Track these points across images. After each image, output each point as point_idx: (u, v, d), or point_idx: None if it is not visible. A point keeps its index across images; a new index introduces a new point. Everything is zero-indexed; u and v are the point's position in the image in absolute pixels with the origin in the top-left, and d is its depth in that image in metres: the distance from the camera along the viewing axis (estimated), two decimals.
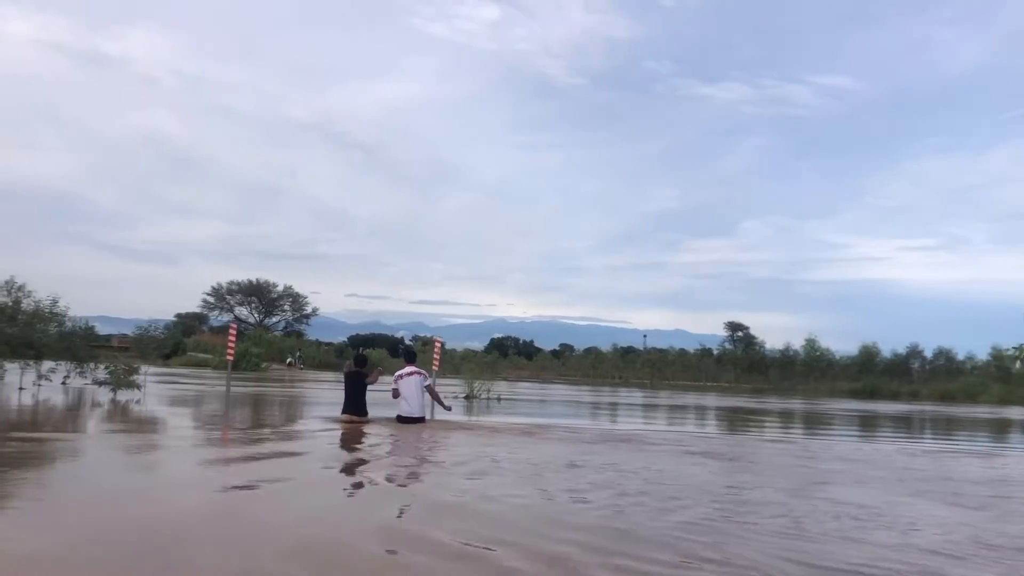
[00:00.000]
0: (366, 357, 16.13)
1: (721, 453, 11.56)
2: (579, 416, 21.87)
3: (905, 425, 23.65)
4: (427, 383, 13.81)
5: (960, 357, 64.82)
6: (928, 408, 36.00)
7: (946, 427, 23.20)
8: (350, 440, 11.25)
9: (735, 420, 22.72)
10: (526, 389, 38.14)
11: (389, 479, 7.79)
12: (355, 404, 13.62)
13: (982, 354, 64.11)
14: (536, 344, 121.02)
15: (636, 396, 37.61)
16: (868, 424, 23.48)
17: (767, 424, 21.55)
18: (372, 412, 13.82)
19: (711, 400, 35.69)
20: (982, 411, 34.98)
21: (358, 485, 7.60)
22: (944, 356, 65.07)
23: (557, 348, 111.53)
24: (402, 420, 13.33)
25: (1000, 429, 23.84)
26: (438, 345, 22.47)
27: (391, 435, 11.86)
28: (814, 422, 23.40)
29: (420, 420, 13.55)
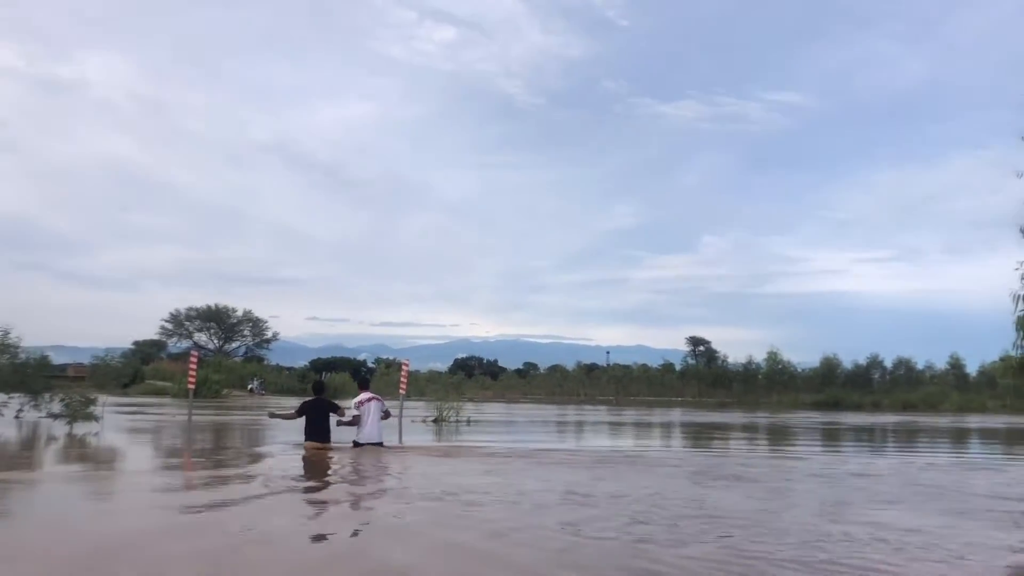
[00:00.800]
0: (323, 383, 15.94)
1: (738, 475, 10.96)
2: (563, 437, 21.68)
3: (892, 437, 23.74)
4: (384, 408, 13.94)
5: (919, 367, 65.77)
6: (901, 418, 36.28)
7: (931, 438, 23.32)
8: (318, 467, 10.91)
9: (721, 437, 22.52)
10: (494, 410, 37.81)
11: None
12: (319, 431, 13.33)
13: (940, 363, 65.20)
14: (500, 363, 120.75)
15: (607, 414, 37.43)
16: (857, 437, 23.47)
17: (757, 440, 21.39)
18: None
19: (683, 416, 35.67)
20: (955, 421, 35.43)
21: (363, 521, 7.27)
22: (904, 366, 65.93)
23: (521, 367, 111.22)
24: (358, 446, 13.37)
25: (986, 437, 24.02)
26: (405, 368, 22.16)
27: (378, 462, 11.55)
28: (803, 436, 23.34)
29: (379, 445, 13.59)
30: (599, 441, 20.32)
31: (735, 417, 34.83)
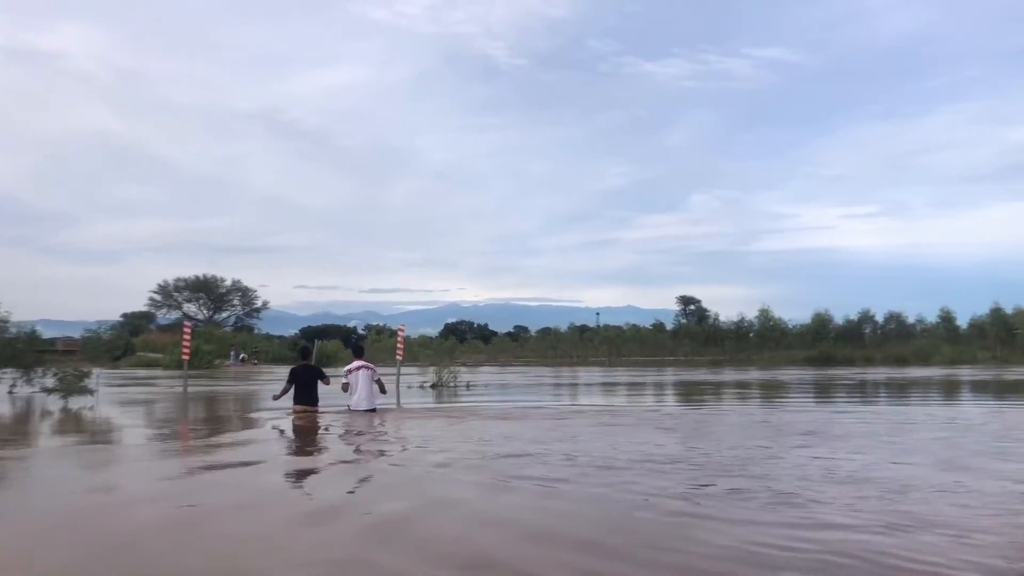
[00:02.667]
0: (309, 348, 16.58)
1: (815, 431, 11.14)
2: (573, 396, 21.60)
3: (916, 388, 23.80)
4: (376, 377, 14.45)
5: (910, 320, 65.96)
6: (925, 372, 36.29)
7: (953, 390, 23.35)
8: (308, 429, 10.81)
9: (757, 394, 22.26)
10: (489, 374, 37.70)
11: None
12: (307, 395, 13.89)
13: (931, 316, 65.42)
14: (490, 327, 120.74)
15: (616, 374, 37.42)
16: (886, 389, 23.50)
17: (789, 396, 21.15)
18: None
19: (695, 375, 35.55)
20: (962, 372, 35.50)
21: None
22: (895, 320, 66.05)
23: (511, 330, 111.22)
24: (352, 412, 13.99)
25: (1003, 389, 24.07)
26: (401, 335, 22.02)
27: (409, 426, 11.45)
28: (833, 390, 23.26)
29: (372, 411, 14.08)
30: (603, 399, 20.25)
31: (749, 374, 34.88)
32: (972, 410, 15.80)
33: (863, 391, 22.86)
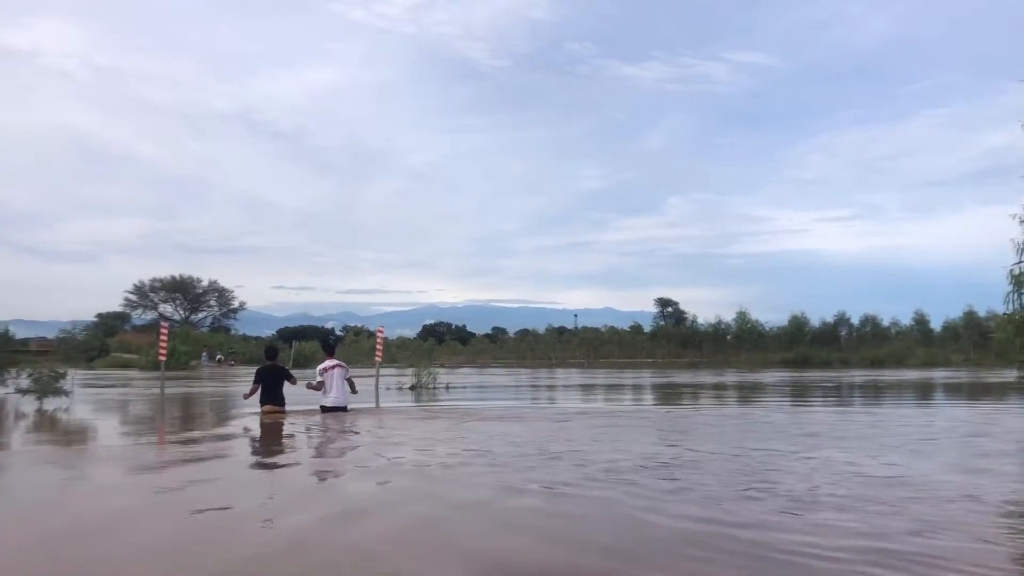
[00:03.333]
0: (277, 349, 16.81)
1: (831, 433, 10.99)
2: (583, 398, 21.59)
3: (917, 391, 23.97)
4: (347, 375, 14.63)
5: (885, 323, 66.69)
6: (901, 375, 36.55)
7: (952, 392, 23.51)
8: (274, 427, 10.75)
9: (751, 396, 22.24)
10: (468, 375, 37.64)
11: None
12: (274, 395, 14.12)
13: (905, 319, 66.21)
14: (468, 328, 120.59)
15: (580, 376, 37.45)
16: (882, 391, 23.69)
17: (789, 397, 21.20)
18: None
19: (678, 377, 35.61)
20: (938, 375, 35.82)
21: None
22: (871, 322, 66.78)
23: (490, 332, 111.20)
24: (325, 410, 14.13)
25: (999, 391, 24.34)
26: (380, 336, 21.91)
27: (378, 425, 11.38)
28: (830, 393, 23.34)
29: (343, 409, 14.26)
30: (582, 402, 20.26)
31: (711, 377, 34.99)
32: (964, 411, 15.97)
33: (853, 393, 23.03)
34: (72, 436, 12.21)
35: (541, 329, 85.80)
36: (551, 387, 27.90)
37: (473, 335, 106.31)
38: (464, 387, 26.23)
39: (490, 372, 44.84)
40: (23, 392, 18.11)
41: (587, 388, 26.85)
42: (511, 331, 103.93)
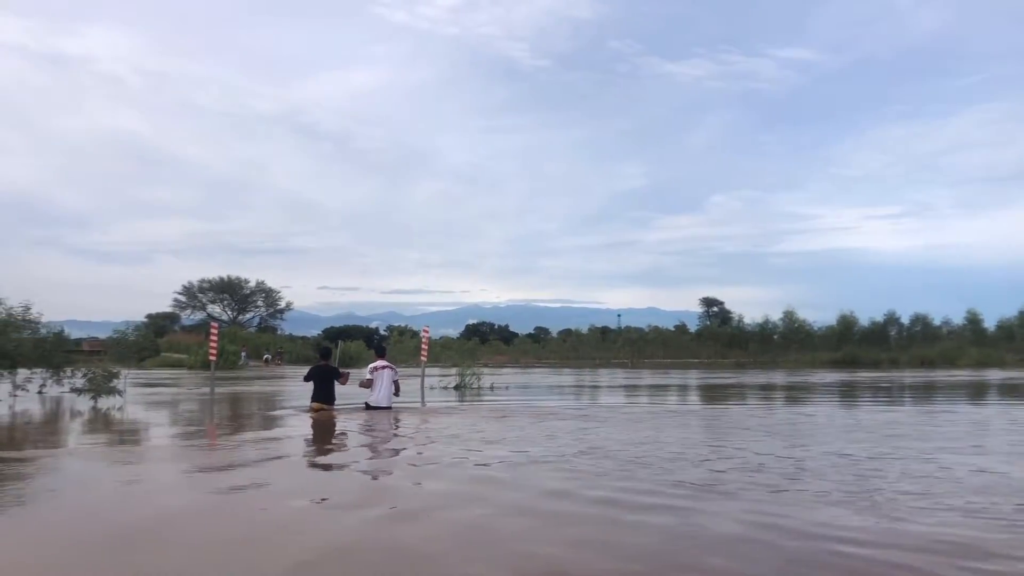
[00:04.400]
0: (330, 349, 17.56)
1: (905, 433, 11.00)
2: (654, 397, 21.53)
3: (991, 391, 23.67)
4: (396, 377, 15.15)
5: (936, 322, 65.36)
6: (959, 374, 35.88)
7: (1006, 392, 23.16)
8: (325, 425, 10.83)
9: (837, 395, 22.03)
10: (512, 375, 37.62)
11: None
12: (324, 393, 14.61)
13: (957, 318, 64.82)
14: (511, 328, 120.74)
15: (642, 376, 37.20)
16: (959, 392, 23.44)
17: (878, 396, 21.04)
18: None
19: (729, 377, 35.25)
20: (997, 375, 35.11)
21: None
22: (921, 322, 65.48)
23: (532, 331, 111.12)
24: (370, 408, 14.70)
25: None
26: (426, 335, 22.01)
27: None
28: (907, 391, 23.21)
29: (388, 409, 14.73)
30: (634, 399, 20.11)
31: (769, 377, 34.58)
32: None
33: (928, 392, 22.66)
34: (127, 434, 12.41)
35: (584, 329, 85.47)
36: (599, 387, 27.75)
37: (516, 335, 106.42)
38: (512, 386, 26.19)
39: (534, 372, 44.78)
40: (78, 391, 18.48)
41: (635, 388, 26.64)
42: (553, 331, 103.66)
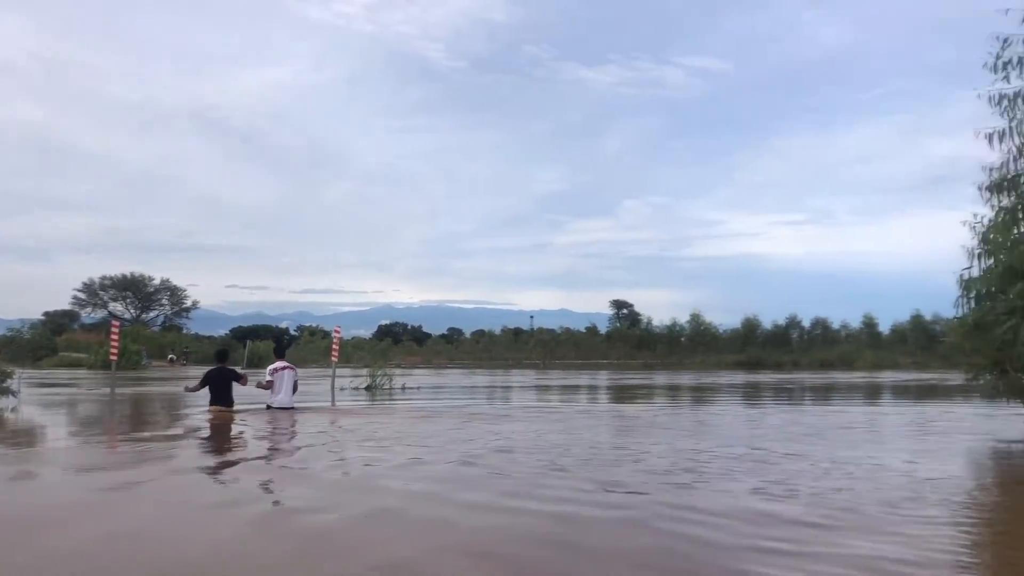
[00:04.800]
0: (226, 351, 16.67)
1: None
2: (562, 398, 21.64)
3: (895, 392, 24.50)
4: (296, 378, 15.05)
5: (835, 326, 67.92)
6: (853, 376, 37.23)
7: (925, 394, 24.03)
8: (223, 427, 10.90)
9: (743, 396, 22.50)
10: (424, 376, 37.56)
11: None
12: (222, 396, 14.35)
13: (854, 322, 67.51)
14: (424, 329, 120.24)
15: (559, 377, 37.55)
16: (856, 392, 24.24)
17: (755, 399, 21.59)
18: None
19: (639, 378, 35.87)
20: (893, 377, 36.61)
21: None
22: (821, 325, 67.97)
23: (446, 332, 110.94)
24: (271, 409, 14.52)
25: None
26: (337, 336, 21.86)
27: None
28: (809, 393, 23.91)
29: (290, 409, 14.57)
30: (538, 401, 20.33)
31: (675, 379, 35.35)
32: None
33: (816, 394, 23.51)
34: (19, 436, 12.00)
35: (497, 330, 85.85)
36: (536, 387, 27.97)
37: (429, 336, 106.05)
38: (423, 387, 26.16)
39: (447, 373, 44.80)
40: None
41: (588, 389, 26.94)
42: (467, 332, 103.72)
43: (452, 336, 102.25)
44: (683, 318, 71.67)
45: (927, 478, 7.32)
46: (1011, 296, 9.38)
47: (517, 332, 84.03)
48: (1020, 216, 9.63)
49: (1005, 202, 9.80)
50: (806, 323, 68.68)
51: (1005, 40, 9.82)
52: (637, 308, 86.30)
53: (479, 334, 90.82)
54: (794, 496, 6.39)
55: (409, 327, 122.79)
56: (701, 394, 23.72)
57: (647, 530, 5.29)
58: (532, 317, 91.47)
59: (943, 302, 17.10)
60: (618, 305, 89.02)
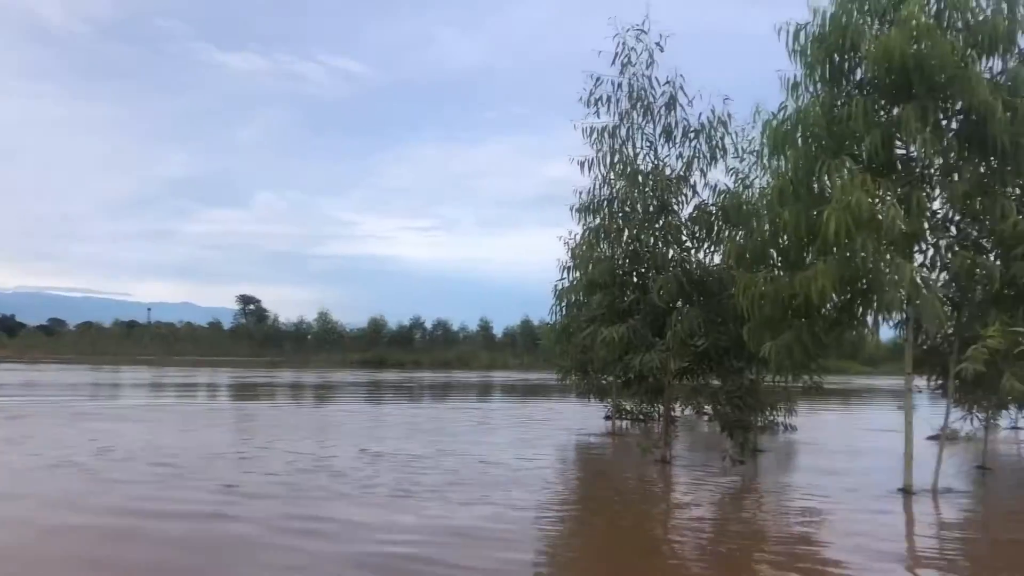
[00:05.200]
0: None
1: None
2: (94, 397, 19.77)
3: (504, 391, 25.46)
4: None
5: (455, 328, 71.76)
6: (469, 376, 38.97)
7: (529, 392, 25.34)
8: None
9: (370, 395, 22.13)
10: (11, 372, 33.34)
11: None
12: None
13: (472, 325, 71.86)
14: (18, 319, 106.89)
15: (167, 374, 35.14)
16: (470, 390, 24.78)
17: (399, 395, 21.46)
18: None
19: (271, 376, 34.61)
20: (503, 376, 39.05)
21: None
22: (442, 327, 71.44)
23: (46, 323, 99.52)
24: None
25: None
26: None
27: None
28: (427, 391, 24.04)
29: None
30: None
31: (279, 376, 34.87)
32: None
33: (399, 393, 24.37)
34: None
35: (107, 322, 78.88)
36: (110, 385, 25.78)
37: (24, 326, 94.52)
38: (5, 384, 23.19)
39: (48, 369, 40.20)
40: None
41: (207, 387, 25.25)
42: (73, 323, 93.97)
43: (53, 328, 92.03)
44: (311, 316, 71.34)
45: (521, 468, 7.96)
46: (592, 306, 10.64)
47: (132, 325, 77.94)
48: (603, 235, 10.88)
49: (591, 222, 11.02)
50: (429, 324, 71.81)
51: (597, 79, 11.05)
52: (266, 304, 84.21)
53: (86, 326, 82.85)
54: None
55: (0, 316, 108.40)
56: (323, 392, 23.78)
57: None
58: (150, 310, 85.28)
59: (545, 309, 18.76)
60: (245, 300, 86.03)
